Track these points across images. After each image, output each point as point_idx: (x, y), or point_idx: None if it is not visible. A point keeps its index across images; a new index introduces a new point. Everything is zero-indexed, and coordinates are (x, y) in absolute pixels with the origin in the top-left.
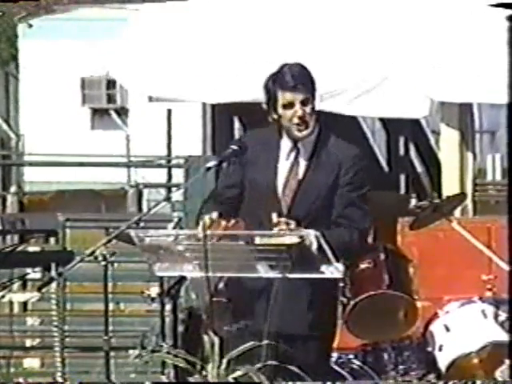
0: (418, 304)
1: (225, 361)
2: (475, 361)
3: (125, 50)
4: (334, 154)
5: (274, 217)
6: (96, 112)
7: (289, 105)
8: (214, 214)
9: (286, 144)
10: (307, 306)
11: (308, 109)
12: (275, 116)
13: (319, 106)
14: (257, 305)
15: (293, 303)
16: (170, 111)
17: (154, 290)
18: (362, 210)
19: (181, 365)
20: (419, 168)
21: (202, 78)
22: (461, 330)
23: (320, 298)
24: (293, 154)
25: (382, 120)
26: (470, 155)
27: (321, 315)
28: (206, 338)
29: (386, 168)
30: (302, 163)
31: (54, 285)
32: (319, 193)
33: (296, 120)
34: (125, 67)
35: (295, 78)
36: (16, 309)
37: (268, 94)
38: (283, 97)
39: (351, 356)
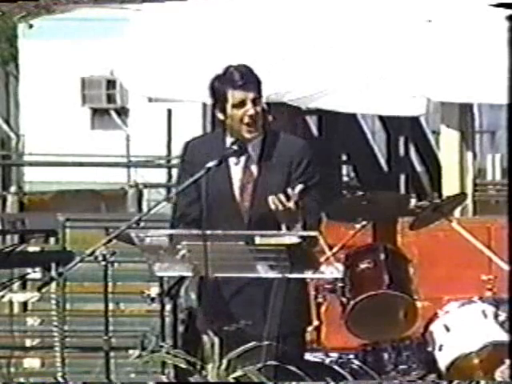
0: (418, 304)
1: (225, 361)
2: (475, 361)
3: (125, 50)
4: (283, 151)
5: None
6: (96, 112)
7: (239, 104)
8: None
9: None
10: (280, 303)
11: (258, 108)
12: (222, 117)
13: (317, 103)
14: (230, 305)
15: (267, 301)
16: (170, 111)
17: (154, 290)
18: (314, 200)
19: (181, 365)
20: (419, 168)
21: (201, 78)
22: (461, 330)
23: (293, 294)
24: (243, 158)
25: (381, 120)
26: (469, 155)
27: (295, 312)
28: (205, 338)
29: (385, 168)
30: (254, 166)
31: (53, 285)
32: (276, 192)
33: (247, 119)
34: (126, 67)
35: (245, 77)
36: (16, 309)
37: (215, 95)
38: (233, 96)
39: (351, 356)
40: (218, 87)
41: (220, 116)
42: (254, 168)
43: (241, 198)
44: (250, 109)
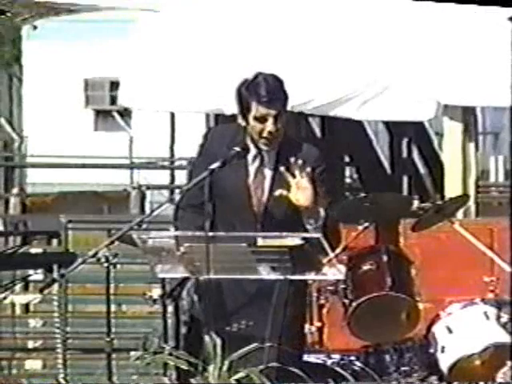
0: (420, 305)
1: (226, 362)
2: (477, 362)
3: (124, 60)
4: (298, 159)
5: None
6: (99, 113)
7: (261, 118)
8: None
9: (250, 148)
10: (279, 305)
11: (279, 124)
12: (244, 123)
13: (331, 111)
14: (226, 305)
15: (264, 302)
16: (173, 113)
17: (156, 292)
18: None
19: (183, 366)
20: (422, 169)
21: (205, 89)
22: (463, 331)
23: (291, 296)
24: (257, 161)
25: (385, 122)
26: (472, 157)
27: (292, 314)
28: (207, 339)
29: (388, 169)
30: (268, 172)
31: (56, 286)
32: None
33: (265, 134)
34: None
35: (271, 92)
36: (18, 310)
37: (240, 102)
38: (257, 109)
39: (353, 357)
40: (244, 96)
41: (241, 122)
42: (267, 174)
43: (255, 198)
44: (270, 125)
